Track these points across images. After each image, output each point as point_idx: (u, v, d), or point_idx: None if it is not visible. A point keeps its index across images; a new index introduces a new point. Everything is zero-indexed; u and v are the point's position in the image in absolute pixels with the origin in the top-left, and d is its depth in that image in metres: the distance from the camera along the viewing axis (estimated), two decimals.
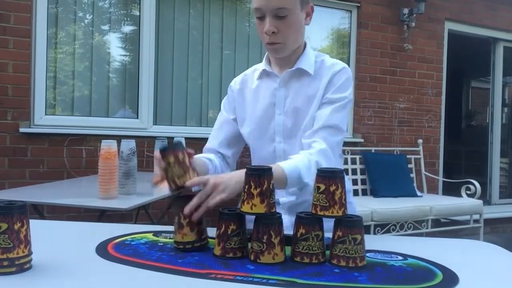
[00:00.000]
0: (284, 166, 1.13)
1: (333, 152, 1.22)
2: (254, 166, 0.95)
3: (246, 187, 0.91)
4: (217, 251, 0.90)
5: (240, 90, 1.40)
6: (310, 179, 1.15)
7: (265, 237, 0.88)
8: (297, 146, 1.28)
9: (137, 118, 3.56)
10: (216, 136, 1.42)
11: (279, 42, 1.23)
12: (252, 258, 0.89)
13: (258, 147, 1.36)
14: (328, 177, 0.89)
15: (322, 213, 0.88)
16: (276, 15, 1.19)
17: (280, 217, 0.91)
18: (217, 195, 0.97)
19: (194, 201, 0.96)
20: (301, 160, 1.16)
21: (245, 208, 0.90)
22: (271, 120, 1.31)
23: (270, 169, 0.93)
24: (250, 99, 1.37)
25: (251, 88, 1.38)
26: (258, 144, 1.35)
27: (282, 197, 1.33)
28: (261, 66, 1.38)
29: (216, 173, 1.32)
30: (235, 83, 1.43)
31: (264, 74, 1.35)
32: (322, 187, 0.89)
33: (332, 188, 0.88)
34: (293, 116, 1.29)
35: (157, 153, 1.03)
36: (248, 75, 1.42)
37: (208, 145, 1.42)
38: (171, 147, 1.01)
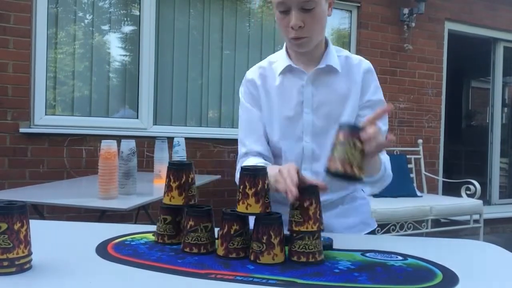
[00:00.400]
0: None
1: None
2: (248, 166, 0.95)
3: (241, 187, 0.91)
4: (220, 251, 0.90)
5: (263, 88, 1.30)
6: (390, 172, 1.22)
7: (264, 238, 0.88)
8: (327, 146, 1.19)
9: (137, 118, 3.56)
10: (255, 138, 1.30)
11: (306, 36, 1.17)
12: (252, 258, 0.89)
13: (286, 148, 1.27)
14: (301, 193, 0.90)
15: (297, 228, 0.89)
16: (302, 7, 1.14)
17: (280, 218, 0.91)
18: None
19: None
20: (381, 156, 1.17)
21: (240, 208, 0.90)
22: (299, 119, 1.26)
23: (264, 169, 0.93)
24: (275, 96, 1.28)
25: (273, 84, 1.29)
26: (286, 144, 1.27)
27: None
28: (281, 59, 1.29)
29: None
30: (255, 77, 1.32)
31: (288, 70, 1.27)
32: (296, 203, 0.90)
33: (306, 204, 0.89)
34: (322, 115, 1.25)
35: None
36: (265, 69, 1.32)
37: (253, 148, 1.29)
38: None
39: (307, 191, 0.91)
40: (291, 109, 1.26)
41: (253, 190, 0.90)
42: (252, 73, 1.34)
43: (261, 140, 1.30)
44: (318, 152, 1.25)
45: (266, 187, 0.91)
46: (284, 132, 1.27)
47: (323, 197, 1.18)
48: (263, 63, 1.35)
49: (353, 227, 1.34)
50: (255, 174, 0.90)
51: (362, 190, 1.43)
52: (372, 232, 1.41)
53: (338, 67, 1.25)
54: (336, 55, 1.27)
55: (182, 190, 0.96)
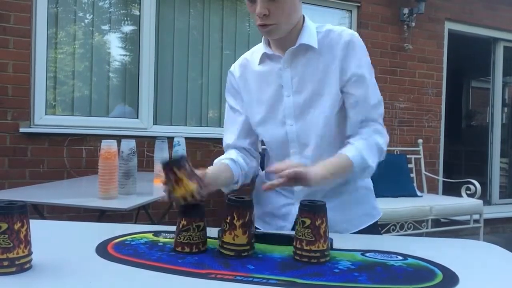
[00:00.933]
0: (346, 151, 1.14)
1: (381, 125, 1.24)
2: (236, 197, 0.94)
3: (229, 218, 0.92)
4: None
5: (242, 77, 1.32)
6: (373, 161, 1.17)
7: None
8: (311, 127, 1.22)
9: (137, 118, 3.56)
10: (230, 130, 1.35)
11: (272, 23, 1.15)
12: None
13: (269, 134, 1.28)
14: (313, 211, 0.90)
15: (308, 247, 0.89)
16: None
17: (246, 202, 0.92)
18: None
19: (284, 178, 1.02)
20: (360, 143, 1.16)
21: (227, 238, 0.92)
22: (279, 103, 1.24)
23: (250, 201, 0.94)
24: (255, 85, 1.29)
25: (253, 73, 1.30)
26: (270, 130, 1.27)
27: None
28: (260, 48, 1.29)
29: (243, 173, 1.29)
30: (235, 69, 1.34)
31: (266, 57, 1.27)
32: (308, 221, 0.89)
33: (318, 223, 0.89)
34: (303, 96, 1.22)
35: (160, 167, 1.01)
36: (247, 60, 1.33)
37: (226, 142, 1.36)
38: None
39: (318, 209, 0.90)
40: (271, 94, 1.26)
41: (240, 221, 0.91)
42: (233, 66, 1.37)
43: (236, 132, 1.33)
44: (302, 134, 1.23)
45: (252, 218, 0.93)
46: (266, 118, 1.27)
47: (313, 188, 1.21)
48: (247, 54, 1.35)
49: (354, 219, 1.30)
50: (242, 206, 0.92)
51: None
52: (375, 223, 1.36)
53: (314, 44, 1.21)
54: (314, 32, 1.23)
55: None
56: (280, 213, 1.32)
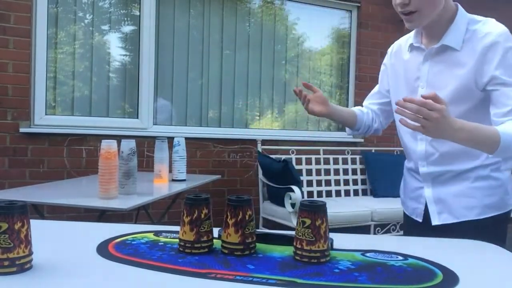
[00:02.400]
0: (500, 130, 1.11)
1: None
2: (233, 197, 0.94)
3: (224, 216, 0.93)
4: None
5: (393, 65, 1.46)
6: None
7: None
8: None
9: (137, 118, 3.56)
10: (369, 98, 1.61)
11: (413, 11, 1.21)
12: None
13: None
14: (313, 211, 0.89)
15: (308, 247, 0.89)
16: None
17: (240, 202, 0.92)
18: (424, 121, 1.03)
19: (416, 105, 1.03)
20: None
21: (223, 236, 0.93)
22: (414, 94, 1.31)
23: (245, 200, 0.94)
24: (400, 70, 1.41)
25: (401, 59, 1.42)
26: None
27: (423, 166, 1.35)
28: (411, 36, 1.39)
29: (366, 125, 1.55)
30: (390, 55, 1.49)
31: (413, 47, 1.36)
32: (308, 221, 0.89)
33: (318, 223, 0.89)
34: (438, 91, 1.15)
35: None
36: (400, 45, 1.47)
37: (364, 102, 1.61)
38: None
39: (318, 209, 0.90)
40: (409, 83, 1.36)
41: (233, 220, 0.91)
42: (391, 50, 1.52)
43: (371, 106, 1.59)
44: None
45: (247, 218, 0.92)
46: None
47: (442, 168, 1.31)
48: (403, 38, 1.48)
49: (476, 207, 1.29)
50: (236, 205, 0.92)
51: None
52: (502, 217, 1.31)
53: (456, 46, 1.25)
54: (463, 31, 1.25)
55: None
56: (414, 195, 1.42)
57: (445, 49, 1.27)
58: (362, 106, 1.63)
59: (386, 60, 1.52)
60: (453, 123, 1.07)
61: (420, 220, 1.41)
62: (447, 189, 1.32)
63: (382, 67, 1.54)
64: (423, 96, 1.03)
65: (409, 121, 1.06)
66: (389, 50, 1.51)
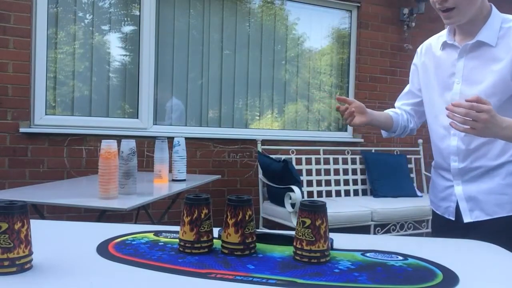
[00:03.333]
0: None
1: None
2: (233, 197, 0.94)
3: (224, 216, 0.93)
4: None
5: (423, 64, 1.48)
6: None
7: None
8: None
9: (137, 118, 3.56)
10: (400, 98, 1.64)
11: (452, 7, 1.23)
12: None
13: (434, 115, 1.43)
14: (313, 211, 0.89)
15: (308, 247, 0.89)
16: None
17: (240, 202, 0.92)
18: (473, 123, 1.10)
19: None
20: None
21: (223, 236, 0.93)
22: (448, 90, 1.35)
23: (245, 200, 0.94)
24: (432, 69, 1.43)
25: (433, 57, 1.43)
26: (434, 113, 1.42)
27: (454, 162, 1.37)
28: (444, 34, 1.40)
29: (402, 126, 1.58)
30: (421, 49, 1.51)
31: (446, 45, 1.38)
32: (308, 221, 0.89)
33: (318, 223, 0.89)
34: (472, 87, 1.30)
35: None
36: (430, 44, 1.48)
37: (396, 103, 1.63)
38: None
39: (318, 209, 0.90)
40: (443, 80, 1.38)
41: (233, 220, 0.91)
42: (421, 49, 1.53)
43: (403, 107, 1.60)
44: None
45: (247, 218, 0.92)
46: (434, 101, 1.42)
47: (474, 163, 1.34)
48: (433, 37, 1.49)
49: (507, 203, 1.32)
50: (236, 205, 0.92)
51: None
52: None
53: (491, 42, 1.28)
54: (497, 28, 1.29)
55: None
56: (444, 194, 1.44)
57: (480, 45, 1.30)
58: (394, 107, 1.66)
59: (415, 60, 1.55)
60: (501, 122, 1.12)
61: (453, 219, 1.42)
62: (477, 186, 1.35)
63: (412, 67, 1.56)
64: (467, 100, 1.09)
65: (458, 124, 1.12)
66: (418, 50, 1.54)
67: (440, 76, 1.39)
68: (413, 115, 1.61)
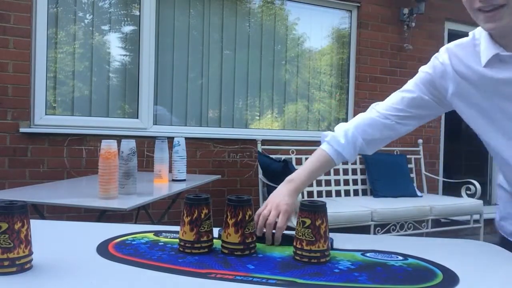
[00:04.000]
0: None
1: None
2: (233, 197, 0.95)
3: (224, 216, 0.93)
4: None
5: (460, 85, 1.10)
6: None
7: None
8: None
9: (137, 118, 3.56)
10: (391, 106, 1.23)
11: (502, 3, 0.91)
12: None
13: (493, 144, 1.11)
14: (313, 211, 0.89)
15: (308, 247, 0.89)
16: None
17: (240, 202, 0.92)
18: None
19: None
20: None
21: (223, 236, 0.93)
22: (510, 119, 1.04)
23: (248, 200, 0.94)
24: (476, 88, 1.06)
25: (476, 74, 1.05)
26: (494, 140, 1.11)
27: None
28: (485, 42, 1.03)
29: (351, 142, 1.22)
30: (452, 68, 1.11)
31: (498, 59, 1.00)
32: (308, 221, 0.89)
33: (318, 223, 0.89)
34: None
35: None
36: (462, 58, 1.09)
37: (375, 105, 1.26)
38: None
39: (318, 209, 0.90)
40: (504, 106, 1.03)
41: (233, 220, 0.92)
42: (442, 55, 1.14)
43: (392, 110, 1.21)
44: None
45: (247, 218, 0.93)
46: (489, 129, 1.10)
47: None
48: (455, 46, 1.11)
49: None
50: (236, 205, 0.92)
51: None
52: None
53: None
54: None
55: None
56: None
57: None
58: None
59: (438, 72, 1.15)
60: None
61: None
62: None
63: (426, 76, 1.19)
64: None
65: None
66: (444, 59, 1.13)
67: (495, 101, 1.05)
68: (392, 126, 1.22)
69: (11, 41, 3.08)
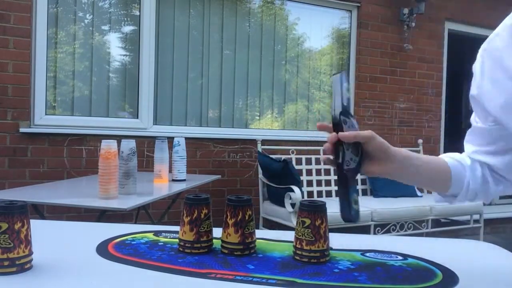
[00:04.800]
0: None
1: None
2: (233, 197, 0.95)
3: (224, 216, 0.93)
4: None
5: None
6: None
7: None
8: None
9: (137, 118, 3.56)
10: (473, 140, 0.93)
11: None
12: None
13: None
14: (313, 211, 0.89)
15: (308, 247, 0.89)
16: None
17: (240, 202, 0.92)
18: None
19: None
20: None
21: (223, 237, 0.93)
22: None
23: (245, 200, 0.94)
24: None
25: None
26: None
27: None
28: None
29: (469, 176, 0.91)
30: (494, 74, 0.89)
31: None
32: (308, 221, 0.89)
33: (318, 223, 0.89)
34: None
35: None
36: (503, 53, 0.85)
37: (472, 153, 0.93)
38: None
39: (318, 209, 0.90)
40: None
41: (233, 220, 0.91)
42: (489, 48, 0.89)
43: (472, 143, 0.92)
44: None
45: (247, 218, 0.92)
46: None
47: None
48: (498, 39, 0.87)
49: None
50: (235, 205, 0.92)
51: None
52: None
53: None
54: None
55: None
56: None
57: None
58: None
59: (483, 80, 0.92)
60: None
61: None
62: None
63: (474, 92, 0.93)
64: None
65: None
66: (479, 66, 0.94)
67: None
68: (493, 171, 0.90)
69: (11, 41, 3.08)
